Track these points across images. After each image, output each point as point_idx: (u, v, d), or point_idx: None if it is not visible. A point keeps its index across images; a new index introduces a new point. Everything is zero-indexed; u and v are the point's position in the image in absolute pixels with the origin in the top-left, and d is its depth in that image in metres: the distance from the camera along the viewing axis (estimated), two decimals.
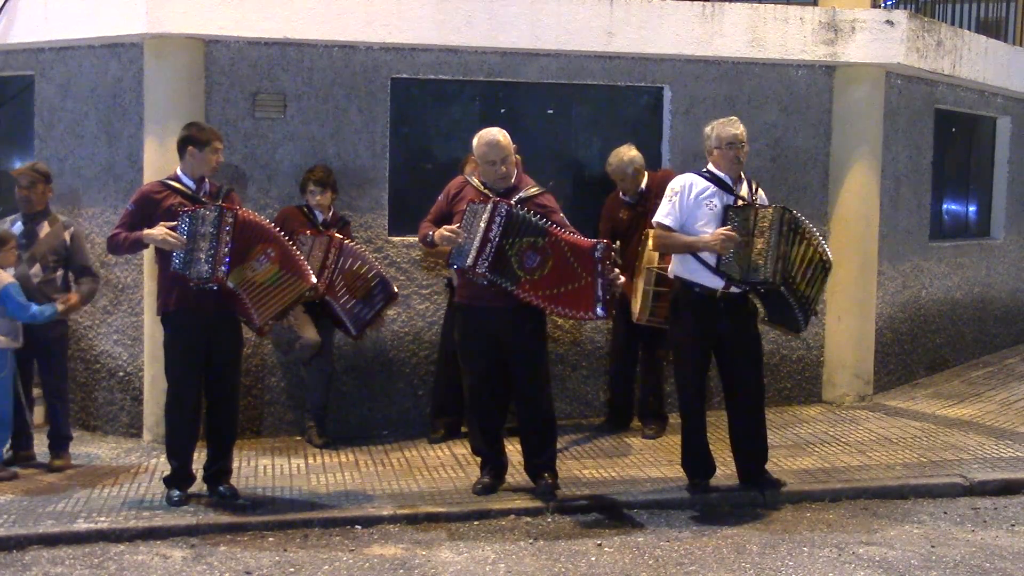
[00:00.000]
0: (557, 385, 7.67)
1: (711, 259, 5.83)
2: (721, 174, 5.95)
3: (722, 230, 5.78)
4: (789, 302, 5.89)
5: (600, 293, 5.57)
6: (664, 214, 5.96)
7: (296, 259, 5.71)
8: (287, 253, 5.69)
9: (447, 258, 5.87)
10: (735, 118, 6.07)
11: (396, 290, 6.56)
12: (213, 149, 5.84)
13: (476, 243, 5.63)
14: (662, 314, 6.51)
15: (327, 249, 6.45)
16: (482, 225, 5.62)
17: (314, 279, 5.77)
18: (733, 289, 5.87)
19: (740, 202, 5.90)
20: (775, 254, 5.72)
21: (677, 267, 6.04)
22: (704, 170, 6.03)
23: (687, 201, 5.90)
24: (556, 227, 5.69)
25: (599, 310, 5.60)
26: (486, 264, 5.64)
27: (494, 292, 5.73)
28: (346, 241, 6.49)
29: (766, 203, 6.09)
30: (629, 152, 7.18)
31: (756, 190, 6.08)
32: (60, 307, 6.32)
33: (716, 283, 5.87)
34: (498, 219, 5.62)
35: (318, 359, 7.03)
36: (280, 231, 5.79)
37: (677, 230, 5.92)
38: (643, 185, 7.22)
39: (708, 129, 6.06)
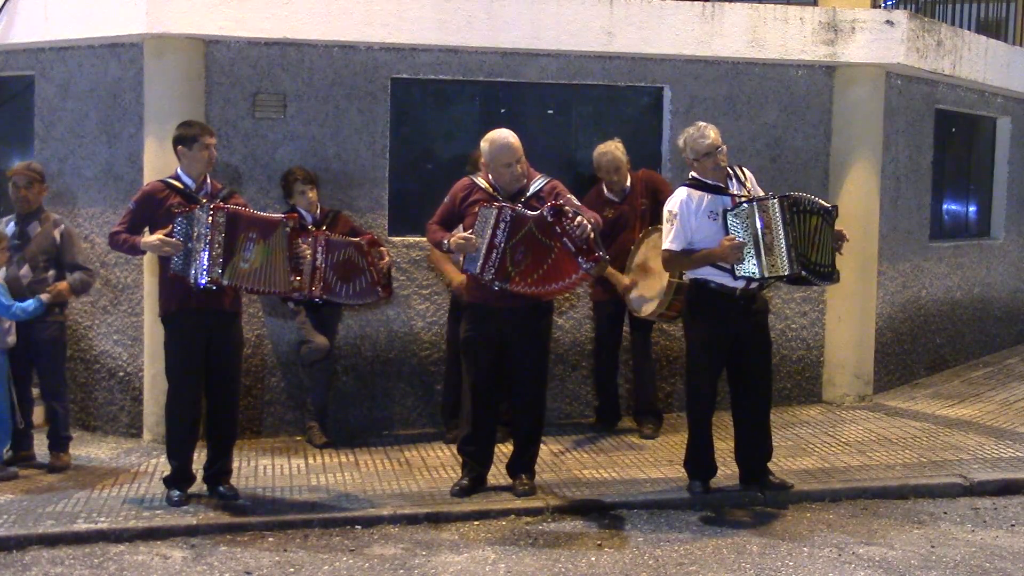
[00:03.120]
0: (556, 385, 7.68)
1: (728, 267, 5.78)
2: (709, 180, 5.87)
3: (727, 241, 5.69)
4: (811, 280, 5.86)
5: (573, 248, 5.47)
6: (669, 240, 5.85)
7: (264, 219, 5.69)
8: (259, 221, 5.65)
9: (461, 264, 5.87)
10: (703, 124, 5.90)
11: (360, 238, 6.14)
12: (203, 145, 5.80)
13: (483, 250, 5.63)
14: (678, 307, 6.42)
15: (314, 250, 6.24)
16: (488, 232, 5.62)
17: (280, 215, 5.78)
18: (752, 285, 5.84)
19: (735, 202, 5.83)
20: (786, 245, 5.62)
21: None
22: (691, 178, 5.93)
23: (689, 220, 5.80)
24: (530, 212, 5.62)
25: (582, 264, 5.47)
26: (492, 271, 5.64)
27: (504, 293, 5.74)
28: (331, 236, 6.12)
29: (758, 189, 5.99)
30: (618, 144, 7.18)
31: (746, 178, 5.98)
32: (45, 297, 6.27)
33: (735, 283, 5.81)
34: (503, 224, 5.61)
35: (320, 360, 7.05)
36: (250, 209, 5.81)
37: (684, 250, 5.82)
38: (627, 183, 7.23)
39: (680, 142, 5.96)
